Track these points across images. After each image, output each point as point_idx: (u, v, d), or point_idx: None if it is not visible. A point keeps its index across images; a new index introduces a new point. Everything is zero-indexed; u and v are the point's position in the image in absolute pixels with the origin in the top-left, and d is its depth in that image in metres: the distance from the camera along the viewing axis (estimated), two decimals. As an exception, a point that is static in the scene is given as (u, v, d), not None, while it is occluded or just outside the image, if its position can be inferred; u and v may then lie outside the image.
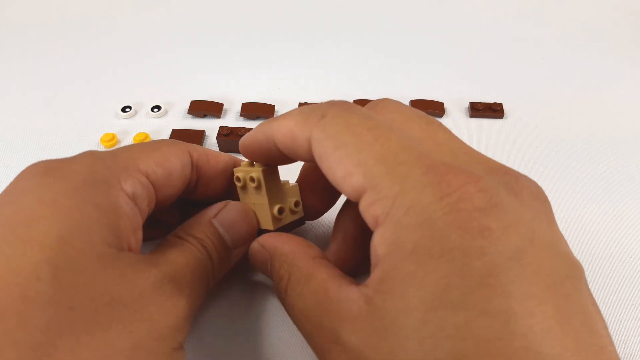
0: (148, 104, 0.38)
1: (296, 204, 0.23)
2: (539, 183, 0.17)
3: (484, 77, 0.41)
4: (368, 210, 0.15)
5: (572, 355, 0.13)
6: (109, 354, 0.14)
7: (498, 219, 0.14)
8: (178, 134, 0.35)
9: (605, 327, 0.14)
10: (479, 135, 0.35)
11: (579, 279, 0.15)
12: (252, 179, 0.21)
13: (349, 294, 0.16)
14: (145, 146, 0.20)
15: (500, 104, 0.37)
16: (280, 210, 0.22)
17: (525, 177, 0.16)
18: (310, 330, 0.17)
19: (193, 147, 0.22)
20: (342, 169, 0.16)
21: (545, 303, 0.13)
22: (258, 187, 0.21)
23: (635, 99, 0.39)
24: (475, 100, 0.38)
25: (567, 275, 0.14)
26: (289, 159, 0.20)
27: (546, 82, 0.41)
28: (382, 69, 0.42)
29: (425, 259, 0.14)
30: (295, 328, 0.18)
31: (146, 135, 0.35)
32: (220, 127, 0.33)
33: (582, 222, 0.29)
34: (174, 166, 0.20)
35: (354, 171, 0.15)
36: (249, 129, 0.28)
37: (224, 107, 0.38)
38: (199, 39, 0.46)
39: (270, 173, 0.22)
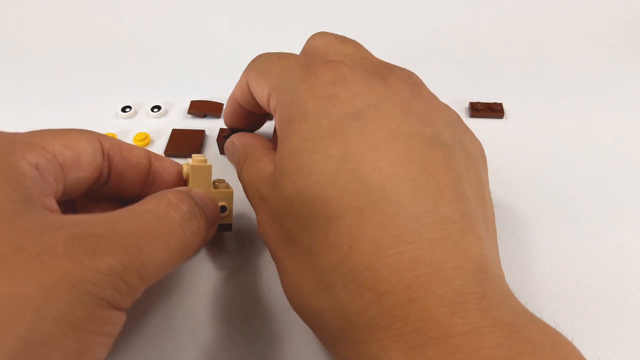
0: (148, 104, 0.38)
1: (223, 208, 0.24)
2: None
3: (484, 77, 0.41)
4: (271, 107, 0.21)
5: (396, 186, 0.16)
6: (17, 302, 0.14)
7: (345, 89, 0.18)
8: (178, 134, 0.35)
9: (454, 184, 0.17)
10: (479, 135, 0.35)
11: (431, 142, 0.17)
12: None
13: (268, 165, 0.21)
14: (52, 130, 0.20)
15: (500, 104, 0.37)
16: None
17: (400, 68, 0.21)
18: (252, 197, 0.21)
19: (104, 137, 0.22)
20: (260, 87, 0.22)
21: (379, 149, 0.16)
22: (187, 180, 0.23)
23: (635, 99, 0.39)
24: (475, 100, 0.38)
25: (413, 134, 0.17)
26: (253, 116, 0.27)
27: (546, 82, 0.41)
28: (382, 69, 0.42)
29: (293, 123, 0.18)
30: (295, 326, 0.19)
31: (146, 135, 0.35)
32: (221, 129, 0.33)
33: (582, 222, 0.29)
34: (83, 150, 0.20)
35: (265, 84, 0.21)
36: (249, 131, 0.28)
37: (224, 107, 0.38)
38: (199, 39, 0.46)
39: (200, 170, 0.23)
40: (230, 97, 0.26)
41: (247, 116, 0.27)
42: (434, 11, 0.49)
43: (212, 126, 0.36)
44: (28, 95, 0.40)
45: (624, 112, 0.38)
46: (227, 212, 0.24)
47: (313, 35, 0.24)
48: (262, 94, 0.22)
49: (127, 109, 0.37)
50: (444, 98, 0.38)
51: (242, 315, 0.24)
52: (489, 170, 0.22)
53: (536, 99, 0.39)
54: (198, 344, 0.23)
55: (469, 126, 0.22)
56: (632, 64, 0.43)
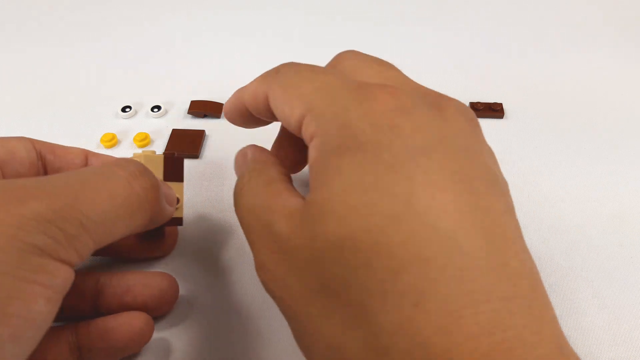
0: (148, 104, 0.38)
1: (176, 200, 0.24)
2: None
3: (484, 77, 0.41)
4: (307, 132, 0.17)
5: (467, 235, 0.14)
6: None
7: (409, 120, 0.16)
8: (178, 134, 0.35)
9: (518, 235, 0.15)
10: (479, 135, 0.35)
11: (493, 186, 0.16)
12: None
13: (292, 197, 0.18)
14: None
15: (500, 104, 0.37)
16: None
17: (454, 100, 0.18)
18: (253, 227, 0.18)
19: (35, 139, 0.23)
20: (288, 105, 0.18)
21: (447, 191, 0.15)
22: None
23: (635, 99, 0.39)
24: (475, 100, 0.38)
25: (477, 177, 0.15)
26: (258, 119, 0.22)
27: (546, 82, 0.41)
28: (382, 69, 0.42)
29: (345, 153, 0.16)
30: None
31: (146, 135, 0.35)
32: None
33: (582, 221, 0.29)
34: (15, 147, 0.21)
35: (296, 104, 0.18)
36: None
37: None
38: (199, 39, 0.46)
39: (153, 160, 0.23)
40: (238, 97, 0.22)
41: (253, 119, 0.23)
42: (434, 11, 0.49)
43: (212, 126, 0.36)
44: (28, 95, 0.40)
45: (624, 112, 0.38)
46: (179, 205, 0.24)
47: (343, 53, 0.21)
48: (290, 114, 0.18)
49: (127, 109, 0.37)
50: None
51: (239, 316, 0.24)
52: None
53: (536, 99, 0.39)
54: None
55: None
56: (633, 63, 0.43)
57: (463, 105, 0.18)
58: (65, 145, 0.24)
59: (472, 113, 0.18)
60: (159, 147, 0.35)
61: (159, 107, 0.37)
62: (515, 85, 0.40)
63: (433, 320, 0.13)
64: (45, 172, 0.23)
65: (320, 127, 0.17)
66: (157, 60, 0.44)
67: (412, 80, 0.19)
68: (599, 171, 0.32)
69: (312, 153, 0.17)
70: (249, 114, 0.22)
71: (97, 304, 0.22)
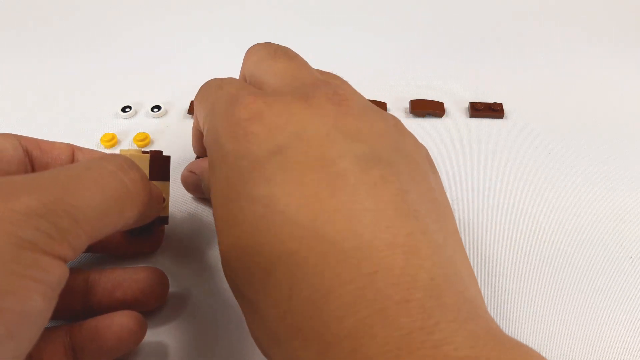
0: (148, 104, 0.38)
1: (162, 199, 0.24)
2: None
3: (484, 77, 0.41)
4: (204, 144, 0.20)
5: (327, 221, 0.14)
6: None
7: (262, 124, 0.17)
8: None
9: (391, 206, 0.15)
10: (479, 135, 0.35)
11: (356, 164, 0.16)
12: None
13: None
14: None
15: (500, 104, 0.37)
16: None
17: (327, 83, 0.19)
18: None
19: (20, 135, 0.23)
20: (199, 118, 0.22)
21: (305, 183, 0.15)
22: None
23: (635, 99, 0.39)
24: (475, 100, 0.38)
25: (340, 157, 0.16)
26: None
27: (546, 82, 0.41)
28: (382, 69, 0.42)
29: (215, 167, 0.18)
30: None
31: (146, 136, 0.35)
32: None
33: (582, 221, 0.29)
34: (3, 146, 0.21)
35: (200, 116, 0.21)
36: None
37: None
38: (199, 39, 0.46)
39: (139, 159, 0.23)
40: (193, 123, 0.25)
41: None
42: (434, 11, 0.49)
43: (212, 126, 0.36)
44: (28, 95, 0.40)
45: (624, 112, 0.38)
46: (164, 204, 0.24)
47: (249, 50, 0.23)
48: (200, 126, 0.21)
49: (127, 109, 0.37)
50: (443, 98, 0.39)
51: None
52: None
53: (536, 99, 0.39)
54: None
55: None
56: (633, 63, 0.43)
57: (335, 85, 0.19)
58: (52, 140, 0.24)
59: (344, 92, 0.18)
60: (159, 147, 0.34)
61: (159, 107, 0.37)
62: (515, 85, 0.40)
63: (307, 309, 0.14)
64: (33, 169, 0.23)
65: (206, 142, 0.19)
66: (157, 60, 0.44)
67: (302, 68, 0.21)
68: (599, 171, 0.32)
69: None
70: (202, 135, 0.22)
71: (87, 301, 0.22)
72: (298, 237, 0.14)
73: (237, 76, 0.25)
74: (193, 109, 0.37)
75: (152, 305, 0.23)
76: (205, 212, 0.29)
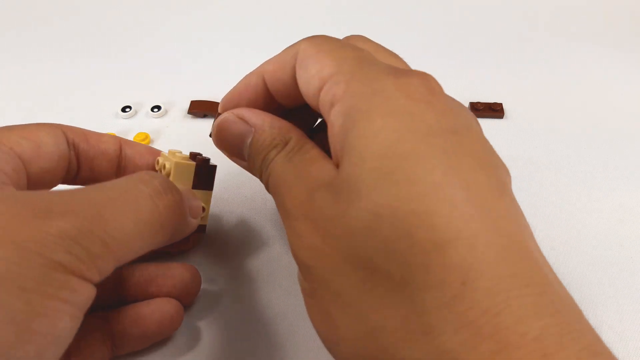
0: (148, 104, 0.38)
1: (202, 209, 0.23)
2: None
3: (484, 77, 0.41)
4: (328, 95, 0.16)
5: (511, 213, 0.14)
6: None
7: (440, 101, 0.16)
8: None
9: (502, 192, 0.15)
10: (479, 135, 0.35)
11: (505, 171, 0.16)
12: (164, 167, 0.22)
13: (325, 164, 0.17)
14: (12, 125, 0.20)
15: (500, 104, 0.37)
16: None
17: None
18: (293, 201, 0.17)
19: (68, 126, 0.22)
20: (318, 64, 0.17)
21: (478, 171, 0.14)
22: (167, 177, 0.22)
23: (635, 99, 0.39)
24: (475, 100, 0.38)
25: (497, 165, 0.16)
26: (271, 100, 0.21)
27: (546, 82, 0.41)
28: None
29: (376, 117, 0.15)
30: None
31: (146, 135, 0.35)
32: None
33: (582, 221, 0.29)
34: (43, 140, 0.20)
35: (327, 62, 0.17)
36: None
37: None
38: (199, 39, 0.46)
39: (184, 168, 0.22)
40: (254, 72, 0.21)
41: (262, 105, 0.21)
42: (434, 11, 0.49)
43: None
44: (28, 95, 0.40)
45: (624, 112, 0.38)
46: (204, 213, 0.23)
47: (352, 37, 0.20)
48: (315, 73, 0.17)
49: (127, 109, 0.37)
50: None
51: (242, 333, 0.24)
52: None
53: (536, 99, 0.39)
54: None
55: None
56: (633, 64, 0.43)
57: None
58: (97, 132, 0.23)
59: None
60: (159, 147, 0.34)
61: (159, 107, 0.37)
62: (515, 85, 0.40)
63: (482, 301, 0.12)
64: (78, 162, 0.22)
65: (350, 89, 0.16)
66: (157, 60, 0.44)
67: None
68: (599, 171, 0.32)
69: (336, 119, 0.16)
70: (263, 93, 0.20)
71: (120, 294, 0.22)
72: (483, 219, 0.13)
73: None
74: (193, 108, 0.37)
75: (184, 302, 0.23)
76: (246, 213, 0.29)
